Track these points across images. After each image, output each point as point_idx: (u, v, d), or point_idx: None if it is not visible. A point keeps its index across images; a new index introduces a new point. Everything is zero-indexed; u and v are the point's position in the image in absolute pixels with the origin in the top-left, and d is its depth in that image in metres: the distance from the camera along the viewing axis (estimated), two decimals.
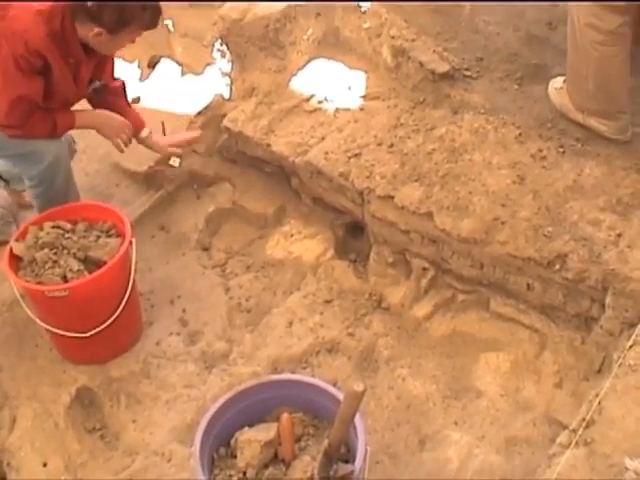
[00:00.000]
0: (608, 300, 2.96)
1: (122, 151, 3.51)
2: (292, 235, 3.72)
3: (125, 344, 3.39)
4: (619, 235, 3.04)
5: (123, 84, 3.62)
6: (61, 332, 3.22)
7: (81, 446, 3.13)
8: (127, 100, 3.65)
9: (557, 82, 3.53)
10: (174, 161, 3.80)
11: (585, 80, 3.33)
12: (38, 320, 3.24)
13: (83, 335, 3.20)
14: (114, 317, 3.21)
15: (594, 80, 3.30)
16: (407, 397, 3.16)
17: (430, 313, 3.38)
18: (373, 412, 3.13)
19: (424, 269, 3.38)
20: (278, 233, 3.75)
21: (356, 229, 3.63)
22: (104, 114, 3.44)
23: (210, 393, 3.16)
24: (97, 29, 3.09)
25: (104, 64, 3.47)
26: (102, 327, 3.21)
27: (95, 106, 3.55)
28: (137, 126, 3.59)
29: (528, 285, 3.17)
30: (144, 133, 3.59)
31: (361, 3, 3.89)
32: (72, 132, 3.59)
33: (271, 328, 3.40)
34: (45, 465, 3.10)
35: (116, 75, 3.61)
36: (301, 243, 3.69)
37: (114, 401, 3.26)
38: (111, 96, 3.56)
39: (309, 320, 3.40)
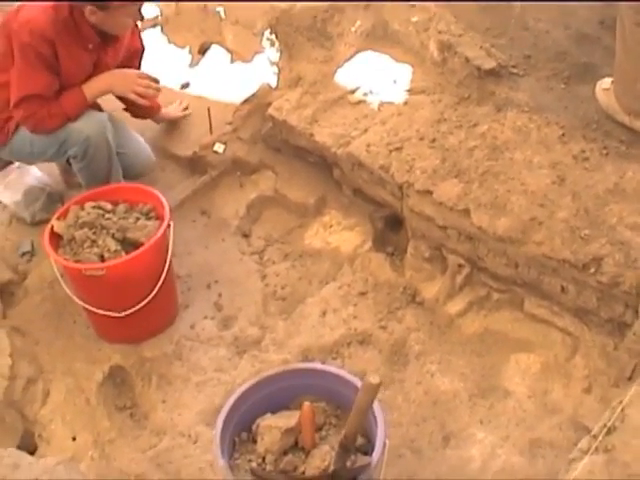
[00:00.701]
0: None
1: (144, 102, 3.60)
2: (331, 226, 3.74)
3: (160, 326, 3.44)
4: None
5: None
6: (97, 311, 3.29)
7: (110, 423, 3.21)
8: None
9: (605, 83, 3.46)
10: (219, 147, 3.86)
11: (633, 81, 3.27)
12: (75, 298, 3.31)
13: (118, 315, 3.27)
14: (149, 298, 3.27)
15: None
16: (434, 393, 3.15)
17: (464, 310, 3.35)
18: (400, 406, 3.13)
19: (460, 266, 3.36)
20: (318, 223, 3.77)
21: (395, 223, 3.61)
22: (109, 73, 3.50)
23: (240, 378, 3.19)
24: (89, 8, 3.21)
25: (135, 64, 3.66)
26: (137, 308, 3.27)
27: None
28: (153, 110, 3.90)
29: (562, 287, 3.12)
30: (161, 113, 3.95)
31: None
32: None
33: (304, 317, 3.42)
34: (74, 439, 3.19)
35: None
36: (340, 234, 3.70)
37: (145, 381, 3.32)
38: None
39: (342, 311, 3.41)
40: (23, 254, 3.72)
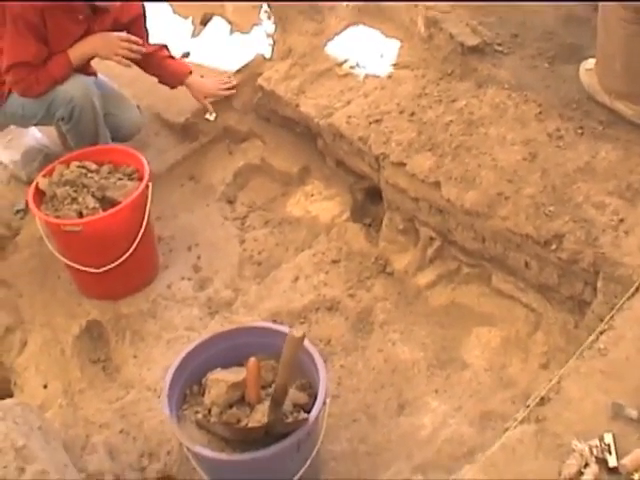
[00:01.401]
0: (599, 284, 2.91)
1: (128, 65, 3.69)
2: (312, 195, 3.80)
3: (138, 284, 3.55)
4: (621, 220, 2.96)
5: (160, 46, 3.88)
6: (76, 266, 3.41)
7: (82, 374, 3.33)
8: (168, 54, 3.90)
9: (589, 63, 3.44)
10: (210, 115, 3.94)
11: (613, 60, 3.25)
12: (57, 253, 3.43)
13: (97, 271, 3.38)
14: (126, 256, 3.38)
15: (621, 60, 3.21)
16: (394, 361, 3.20)
17: (432, 282, 3.39)
18: (360, 372, 3.19)
19: (431, 238, 3.39)
20: (300, 192, 3.84)
21: (375, 195, 3.66)
22: (93, 37, 3.60)
23: None
24: None
25: (134, 32, 3.71)
26: (114, 264, 3.38)
27: (144, 69, 3.87)
28: (181, 74, 3.90)
29: (526, 263, 3.13)
30: (188, 80, 3.92)
31: None
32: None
33: (277, 282, 3.50)
34: (45, 387, 3.33)
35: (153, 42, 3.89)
36: (320, 204, 3.77)
37: (120, 336, 3.44)
38: (152, 60, 3.82)
39: (314, 278, 3.48)
40: (17, 211, 3.87)
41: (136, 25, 3.80)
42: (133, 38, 3.63)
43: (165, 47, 3.92)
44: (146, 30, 3.86)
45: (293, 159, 3.89)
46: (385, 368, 3.19)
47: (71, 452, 2.96)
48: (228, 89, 4.05)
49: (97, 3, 3.48)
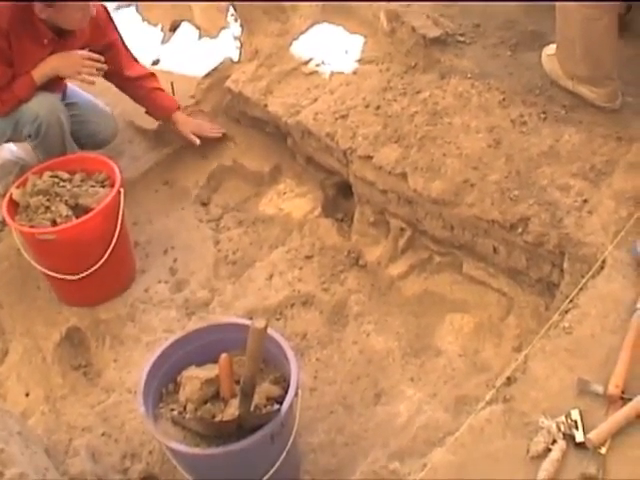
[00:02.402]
0: (565, 265, 2.94)
1: (92, 83, 3.71)
2: (285, 193, 3.85)
3: (115, 289, 3.59)
4: (585, 201, 3.00)
5: (148, 73, 3.92)
6: (53, 274, 3.44)
7: (64, 381, 3.35)
8: (157, 86, 3.93)
9: (550, 49, 3.48)
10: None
11: (572, 45, 3.28)
12: (34, 263, 3.47)
13: (73, 278, 3.41)
14: (101, 262, 3.41)
15: (580, 44, 3.24)
16: (369, 352, 3.24)
17: (405, 273, 3.43)
18: (336, 365, 3.23)
19: (402, 229, 3.44)
20: (273, 191, 3.88)
21: (346, 189, 3.70)
22: (56, 56, 3.61)
23: None
24: (38, 5, 3.38)
25: (111, 57, 3.74)
26: (90, 271, 3.41)
27: (131, 97, 3.94)
28: (169, 109, 3.94)
29: (494, 248, 3.17)
30: (175, 115, 3.95)
31: None
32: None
33: (252, 280, 3.54)
34: (27, 395, 3.35)
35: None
36: (292, 201, 3.81)
37: (100, 341, 3.47)
38: (140, 89, 3.88)
39: (288, 274, 3.52)
40: None
41: (112, 50, 3.80)
42: (94, 56, 3.63)
43: (153, 75, 3.95)
44: (130, 53, 3.90)
45: (264, 159, 3.94)
46: (360, 359, 3.23)
47: (54, 457, 2.99)
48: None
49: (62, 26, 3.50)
